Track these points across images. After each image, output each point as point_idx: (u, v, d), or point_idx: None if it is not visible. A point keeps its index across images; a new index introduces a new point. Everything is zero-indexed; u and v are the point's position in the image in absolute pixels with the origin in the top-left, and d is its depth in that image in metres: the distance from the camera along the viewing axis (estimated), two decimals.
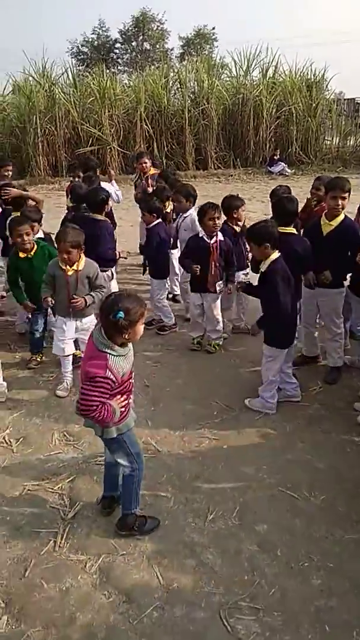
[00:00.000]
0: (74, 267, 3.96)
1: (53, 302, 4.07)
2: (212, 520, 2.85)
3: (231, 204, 4.89)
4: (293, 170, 17.05)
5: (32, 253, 4.32)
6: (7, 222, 4.61)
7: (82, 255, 3.98)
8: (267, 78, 18.04)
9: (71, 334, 4.16)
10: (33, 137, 16.58)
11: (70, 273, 3.94)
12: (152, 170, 6.76)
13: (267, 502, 2.98)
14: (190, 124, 17.38)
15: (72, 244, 3.81)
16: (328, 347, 4.39)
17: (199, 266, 4.55)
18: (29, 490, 3.11)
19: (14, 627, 2.27)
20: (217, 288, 4.68)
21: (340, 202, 3.98)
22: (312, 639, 2.20)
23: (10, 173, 6.80)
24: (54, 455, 3.43)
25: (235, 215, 4.92)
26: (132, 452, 2.65)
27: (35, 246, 4.34)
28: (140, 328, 2.44)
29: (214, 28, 37.81)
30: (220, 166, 17.83)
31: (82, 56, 35.41)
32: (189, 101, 17.47)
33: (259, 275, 3.76)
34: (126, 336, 2.37)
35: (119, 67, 34.47)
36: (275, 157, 17.24)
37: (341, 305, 4.26)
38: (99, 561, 2.59)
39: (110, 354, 2.36)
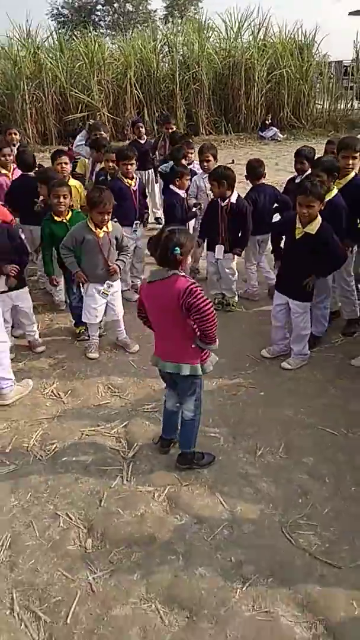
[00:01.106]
0: (104, 229, 4.07)
1: (86, 279, 4.12)
2: (261, 455, 3.12)
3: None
4: (285, 135, 17.01)
5: (67, 218, 4.35)
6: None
7: None
8: (258, 40, 17.79)
9: (102, 300, 4.23)
10: (21, 104, 16.28)
11: (101, 235, 4.05)
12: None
13: (309, 438, 3.26)
14: (181, 89, 17.17)
15: (112, 205, 3.93)
16: (342, 303, 4.64)
17: (202, 245, 4.97)
18: (86, 435, 3.34)
19: (99, 547, 2.53)
20: (217, 250, 4.88)
21: (351, 161, 4.15)
22: None
23: (18, 137, 6.85)
24: (104, 405, 3.66)
25: None
26: (200, 397, 2.91)
27: (70, 212, 4.38)
28: (189, 259, 2.67)
29: None
30: (212, 132, 17.70)
31: (62, 18, 34.25)
32: (178, 65, 17.20)
33: (298, 237, 3.79)
34: (181, 268, 2.59)
35: (101, 30, 33.41)
36: (267, 122, 17.11)
37: (351, 263, 4.46)
38: (166, 491, 2.85)
39: (177, 273, 2.60)
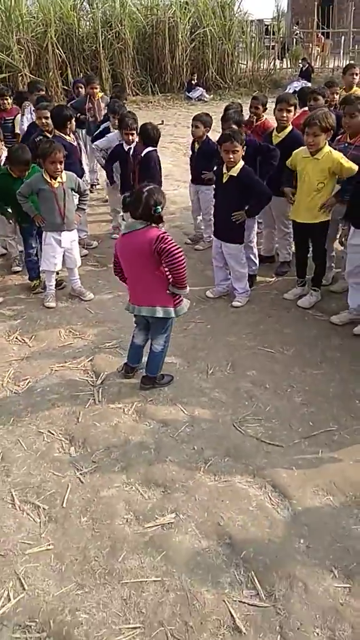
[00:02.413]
0: (58, 179, 4.34)
1: (44, 221, 4.40)
2: (212, 373, 3.63)
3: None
4: (212, 96, 17.29)
5: (24, 175, 4.55)
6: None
7: None
8: None
9: (60, 249, 4.50)
10: None
11: (56, 185, 4.32)
12: (100, 94, 7.05)
13: (251, 357, 3.81)
14: (105, 48, 16.91)
15: (62, 154, 4.18)
16: (279, 245, 5.20)
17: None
18: (55, 370, 3.71)
19: (82, 452, 2.96)
20: None
21: (285, 114, 4.63)
22: (302, 430, 3.09)
23: None
24: (67, 346, 4.02)
25: None
26: (169, 333, 3.38)
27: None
28: None
29: None
30: (139, 92, 17.65)
31: None
32: (100, 23, 16.87)
33: (225, 181, 4.29)
34: (160, 224, 2.98)
35: None
36: (192, 82, 17.31)
37: (289, 208, 4.99)
38: (134, 406, 3.31)
39: (151, 224, 2.99)
